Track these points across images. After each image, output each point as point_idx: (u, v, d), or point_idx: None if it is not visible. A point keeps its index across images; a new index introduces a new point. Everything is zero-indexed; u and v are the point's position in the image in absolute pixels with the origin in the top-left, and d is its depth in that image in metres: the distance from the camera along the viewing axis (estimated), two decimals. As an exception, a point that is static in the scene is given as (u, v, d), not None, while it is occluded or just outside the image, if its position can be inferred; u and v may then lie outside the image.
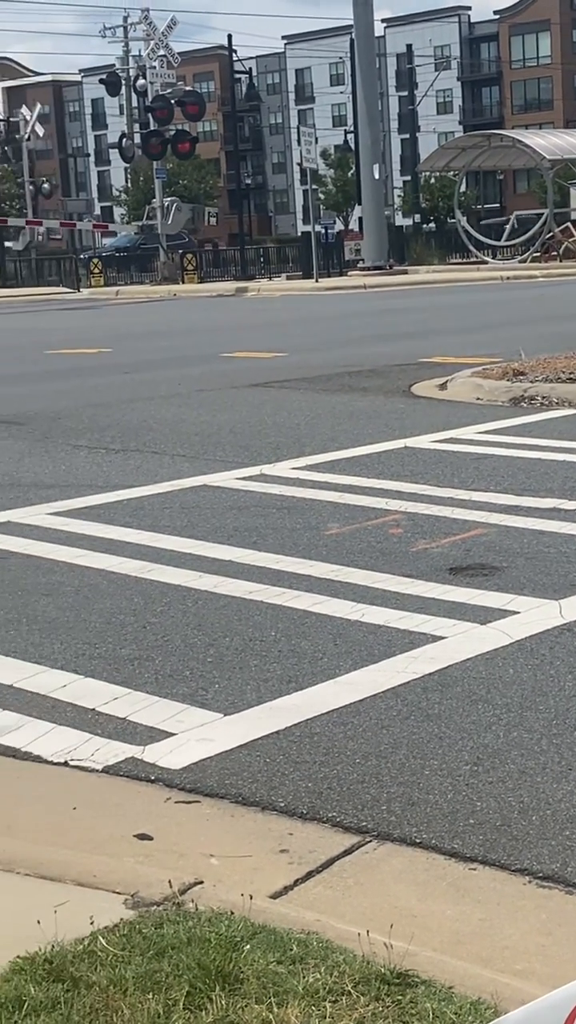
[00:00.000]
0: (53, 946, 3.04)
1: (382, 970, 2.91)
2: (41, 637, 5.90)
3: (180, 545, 7.44)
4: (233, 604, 6.27)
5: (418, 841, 3.85)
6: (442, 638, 5.60)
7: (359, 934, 3.06)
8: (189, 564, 7.02)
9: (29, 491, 9.27)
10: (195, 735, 4.70)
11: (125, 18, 60.05)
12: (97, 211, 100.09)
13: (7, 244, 56.65)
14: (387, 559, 6.96)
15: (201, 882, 3.47)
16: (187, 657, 5.55)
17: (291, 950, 3.03)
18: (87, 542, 7.61)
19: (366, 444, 10.63)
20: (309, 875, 3.69)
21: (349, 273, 45.36)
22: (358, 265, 45.96)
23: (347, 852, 3.82)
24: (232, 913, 3.20)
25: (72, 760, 4.56)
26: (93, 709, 4.98)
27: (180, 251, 48.28)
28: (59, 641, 5.83)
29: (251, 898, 3.25)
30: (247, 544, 7.39)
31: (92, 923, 3.17)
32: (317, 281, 41.16)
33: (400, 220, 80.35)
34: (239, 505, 8.50)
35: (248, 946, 3.03)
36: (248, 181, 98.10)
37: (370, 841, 3.88)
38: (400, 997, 2.84)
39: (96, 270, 51.13)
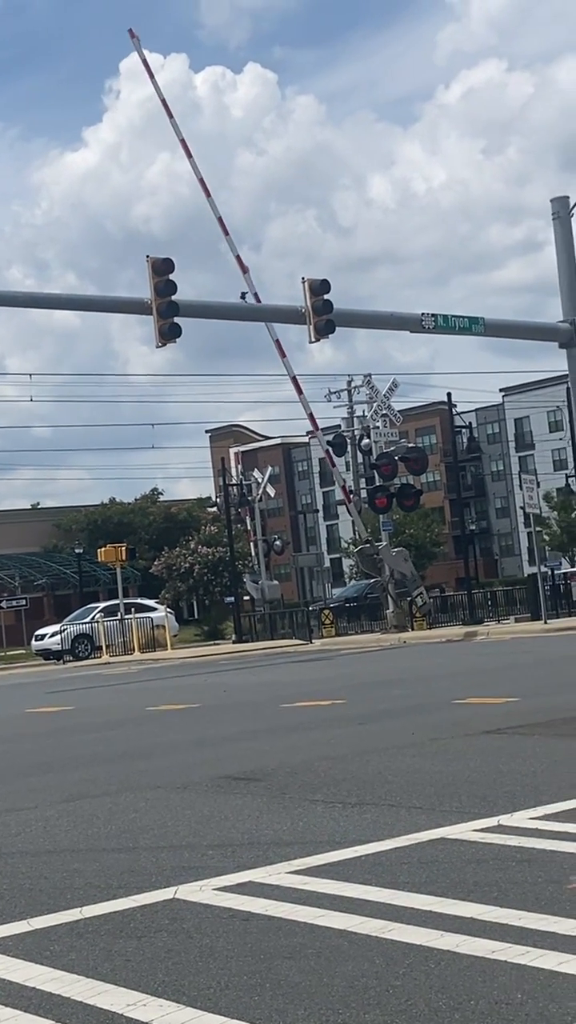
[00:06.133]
0: None
1: None
2: (284, 1003, 5.87)
3: (420, 902, 7.36)
4: (477, 964, 6.14)
5: None
6: None
7: None
8: (430, 922, 6.92)
9: (268, 849, 9.35)
10: None
11: (349, 383, 63.69)
12: (327, 563, 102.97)
13: (250, 591, 58.63)
14: None
15: None
16: (432, 1022, 5.44)
17: None
18: (327, 901, 7.60)
19: (606, 791, 10.41)
20: None
21: (579, 613, 45.24)
22: (588, 604, 45.85)
23: None
24: None
25: None
26: (338, 1079, 4.90)
27: (408, 599, 49.02)
28: (303, 1007, 5.79)
29: None
30: (488, 900, 7.27)
31: None
32: (546, 623, 41.08)
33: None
34: (478, 858, 8.39)
35: None
36: (473, 526, 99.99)
37: None
38: None
39: (327, 621, 52.26)
